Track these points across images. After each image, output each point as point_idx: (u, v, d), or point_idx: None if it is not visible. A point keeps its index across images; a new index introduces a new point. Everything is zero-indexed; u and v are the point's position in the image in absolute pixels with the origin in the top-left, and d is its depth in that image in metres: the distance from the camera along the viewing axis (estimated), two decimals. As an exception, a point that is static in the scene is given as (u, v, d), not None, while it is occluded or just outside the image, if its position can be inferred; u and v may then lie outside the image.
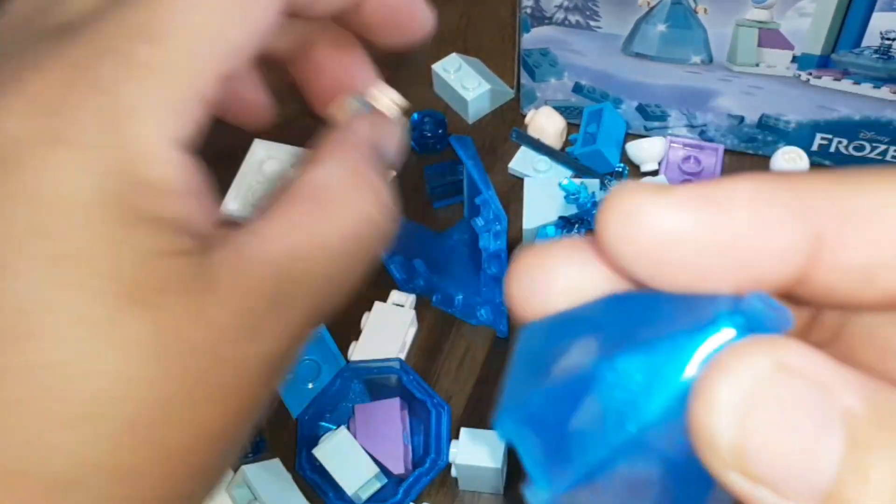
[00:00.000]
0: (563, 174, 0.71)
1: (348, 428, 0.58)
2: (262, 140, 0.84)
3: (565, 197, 0.67)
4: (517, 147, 0.73)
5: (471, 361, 0.64)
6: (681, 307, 0.16)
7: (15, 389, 0.18)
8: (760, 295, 0.15)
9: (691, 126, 0.73)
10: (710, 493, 0.16)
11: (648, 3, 0.65)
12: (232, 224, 0.24)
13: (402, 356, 0.63)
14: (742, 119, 0.71)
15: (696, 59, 0.67)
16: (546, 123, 0.73)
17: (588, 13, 0.67)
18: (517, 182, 0.72)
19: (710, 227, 0.16)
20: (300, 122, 0.87)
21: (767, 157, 0.72)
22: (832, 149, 0.71)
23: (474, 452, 0.56)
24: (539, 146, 0.73)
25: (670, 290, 0.16)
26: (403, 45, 0.29)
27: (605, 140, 0.71)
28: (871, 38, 0.63)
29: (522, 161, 0.73)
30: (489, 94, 0.76)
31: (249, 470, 0.55)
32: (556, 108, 0.74)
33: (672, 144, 0.73)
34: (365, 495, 0.57)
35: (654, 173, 0.71)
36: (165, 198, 0.22)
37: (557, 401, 0.16)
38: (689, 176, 0.72)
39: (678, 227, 0.16)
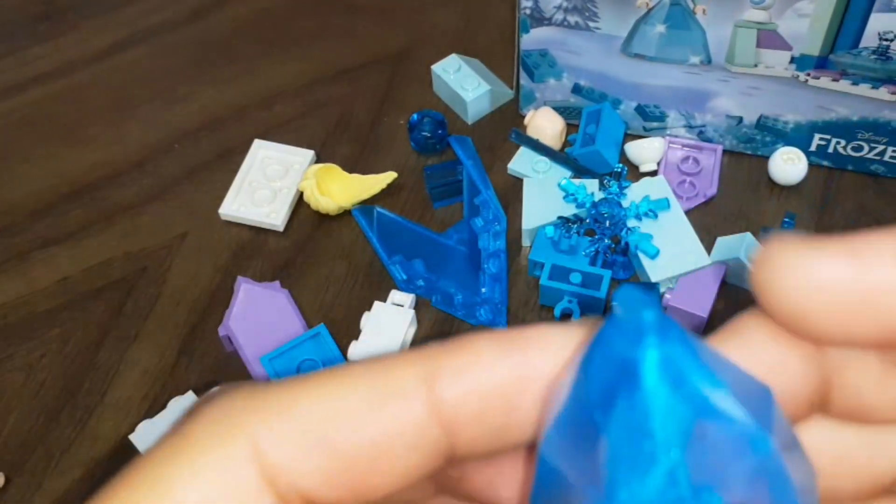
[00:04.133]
0: (562, 174, 0.72)
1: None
2: (263, 140, 0.85)
3: (564, 197, 0.67)
4: (516, 147, 0.74)
5: (470, 361, 0.64)
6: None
7: None
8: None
9: (690, 126, 0.73)
10: None
11: (647, 4, 0.65)
12: None
13: (402, 356, 0.64)
14: (741, 119, 0.71)
15: (695, 59, 0.68)
16: (545, 124, 0.73)
17: (587, 14, 0.67)
18: (516, 182, 0.72)
19: (855, 279, 0.17)
20: (300, 121, 0.88)
21: (766, 158, 0.72)
22: (830, 149, 0.71)
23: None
24: (538, 147, 0.73)
25: (827, 337, 0.17)
26: None
27: (604, 140, 0.71)
28: (869, 39, 0.63)
29: (522, 161, 0.73)
30: (489, 95, 0.76)
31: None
32: (555, 109, 0.74)
33: (671, 145, 0.73)
34: (364, 494, 0.57)
35: (653, 174, 0.71)
36: None
37: None
38: (688, 176, 0.72)
39: (823, 278, 0.17)
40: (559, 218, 0.66)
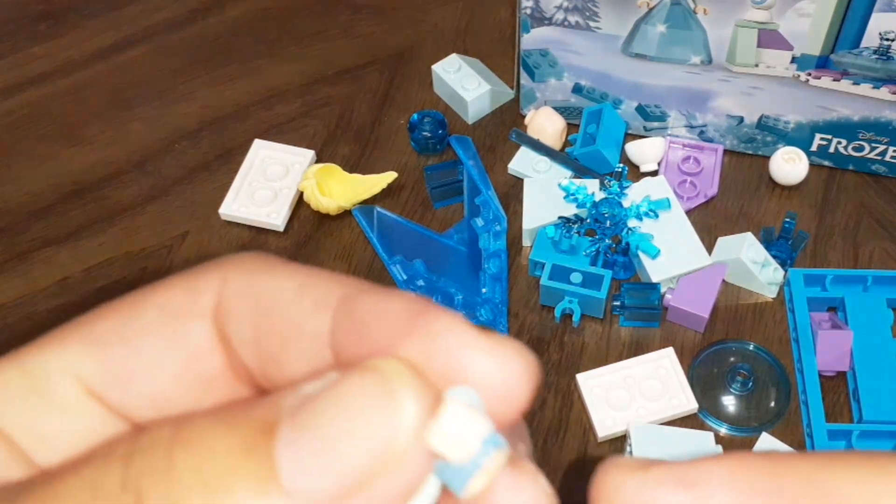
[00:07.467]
0: (562, 174, 0.72)
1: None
2: (263, 140, 0.85)
3: (565, 197, 0.67)
4: (517, 147, 0.74)
5: (471, 361, 0.64)
6: None
7: None
8: None
9: (691, 126, 0.73)
10: None
11: (648, 4, 0.65)
12: None
13: (403, 356, 0.63)
14: (741, 119, 0.71)
15: (696, 59, 0.68)
16: (546, 124, 0.73)
17: (588, 14, 0.67)
18: (517, 182, 0.72)
19: None
20: (300, 121, 0.88)
21: (767, 158, 0.72)
22: (831, 149, 0.71)
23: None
24: (538, 146, 0.73)
25: None
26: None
27: (605, 140, 0.71)
28: (870, 39, 0.63)
29: (522, 161, 0.73)
30: (489, 95, 0.76)
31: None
32: (556, 109, 0.74)
33: (671, 145, 0.73)
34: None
35: (654, 174, 0.71)
36: None
37: None
38: (689, 176, 0.72)
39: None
40: (560, 218, 0.66)
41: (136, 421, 0.20)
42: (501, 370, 0.17)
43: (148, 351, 0.20)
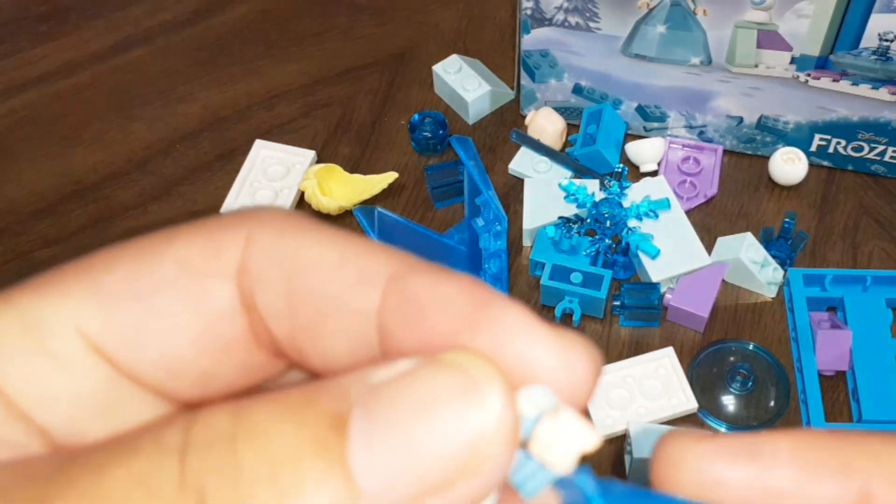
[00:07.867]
0: (562, 175, 0.72)
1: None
2: (264, 140, 0.85)
3: (565, 197, 0.67)
4: (517, 148, 0.74)
5: (471, 361, 0.64)
6: None
7: None
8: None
9: (690, 127, 0.73)
10: None
11: (648, 5, 0.65)
12: None
13: (403, 355, 0.64)
14: (741, 120, 0.71)
15: (696, 60, 0.68)
16: (546, 124, 0.73)
17: (588, 15, 0.67)
18: (517, 182, 0.72)
19: (753, 479, 0.18)
20: (301, 122, 0.88)
21: (766, 158, 0.72)
22: (831, 149, 0.71)
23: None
24: (539, 147, 0.73)
25: None
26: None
27: (605, 141, 0.71)
28: (870, 40, 0.63)
29: (522, 161, 0.73)
30: (489, 95, 0.76)
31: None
32: (556, 109, 0.74)
33: (671, 145, 0.73)
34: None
35: (654, 174, 0.72)
36: None
37: None
38: (689, 176, 0.72)
39: (720, 476, 0.18)
40: (560, 218, 0.66)
41: (145, 383, 0.18)
42: (568, 367, 0.17)
43: (163, 310, 0.18)
